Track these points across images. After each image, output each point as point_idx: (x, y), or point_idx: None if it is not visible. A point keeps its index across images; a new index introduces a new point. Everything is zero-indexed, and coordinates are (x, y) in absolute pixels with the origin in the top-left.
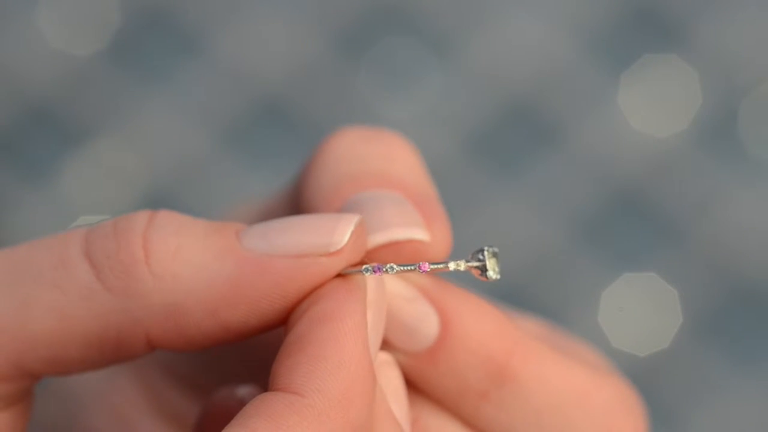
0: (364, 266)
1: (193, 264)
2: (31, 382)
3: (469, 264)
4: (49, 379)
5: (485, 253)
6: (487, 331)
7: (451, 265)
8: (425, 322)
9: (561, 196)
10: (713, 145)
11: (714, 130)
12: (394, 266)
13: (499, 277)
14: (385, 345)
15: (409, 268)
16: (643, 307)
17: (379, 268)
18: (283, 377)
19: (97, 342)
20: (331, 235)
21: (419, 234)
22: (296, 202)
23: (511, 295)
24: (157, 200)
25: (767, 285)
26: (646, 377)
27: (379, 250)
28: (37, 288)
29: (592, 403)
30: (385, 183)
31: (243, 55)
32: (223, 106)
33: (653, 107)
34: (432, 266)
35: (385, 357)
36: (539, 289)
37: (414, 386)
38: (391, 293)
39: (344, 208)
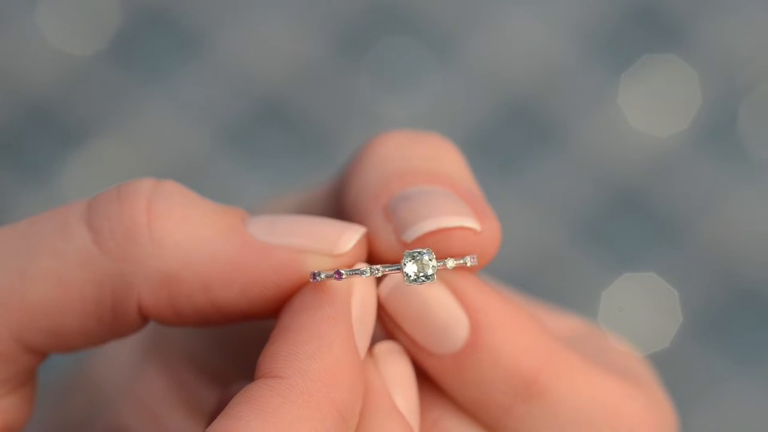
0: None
1: (195, 236)
2: (33, 361)
3: (388, 269)
4: (76, 374)
5: (405, 257)
6: (519, 346)
7: (367, 271)
8: (454, 325)
9: (561, 196)
10: (713, 145)
11: (714, 130)
12: (321, 273)
13: (424, 281)
14: (410, 342)
15: (329, 275)
16: (643, 307)
17: (314, 275)
18: (265, 364)
19: (94, 309)
20: (336, 240)
21: (470, 222)
22: (337, 200)
23: None
24: None
25: (767, 285)
26: None
27: (428, 236)
28: (35, 257)
29: (621, 416)
30: (433, 180)
31: (243, 55)
32: (223, 106)
33: (653, 107)
34: (347, 273)
35: (390, 346)
36: (539, 289)
37: (437, 387)
38: (424, 290)
39: (391, 203)
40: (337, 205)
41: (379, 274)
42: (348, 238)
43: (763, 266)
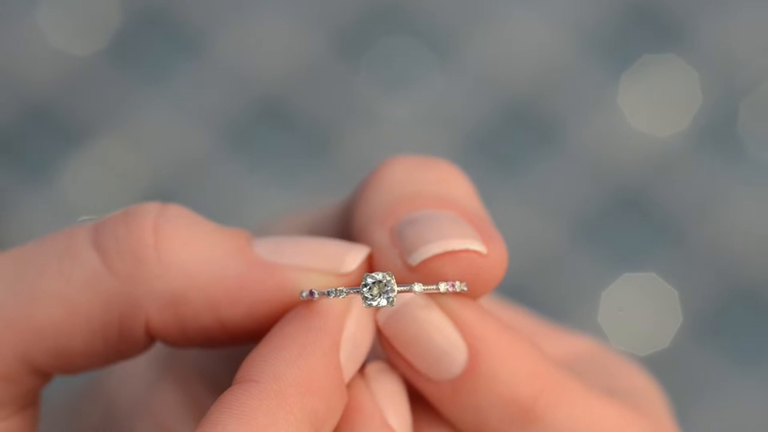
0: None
1: (201, 256)
2: (38, 383)
3: (350, 291)
4: (91, 388)
5: (367, 279)
6: (517, 372)
7: (333, 292)
8: (452, 352)
9: (561, 196)
10: (713, 145)
11: (714, 130)
12: (304, 292)
13: (383, 304)
14: (408, 367)
15: (307, 295)
16: (643, 307)
17: (301, 293)
18: (244, 369)
19: (101, 330)
20: (342, 259)
21: (476, 245)
22: (345, 224)
23: (511, 295)
24: (157, 200)
25: (767, 285)
26: None
27: (434, 260)
28: (43, 278)
29: None
30: (440, 204)
31: (243, 55)
32: (223, 106)
33: (653, 107)
34: (318, 293)
35: (381, 366)
36: (539, 289)
37: (432, 408)
38: (422, 316)
39: (398, 227)
40: (346, 229)
41: (343, 296)
42: (354, 257)
43: (763, 266)
